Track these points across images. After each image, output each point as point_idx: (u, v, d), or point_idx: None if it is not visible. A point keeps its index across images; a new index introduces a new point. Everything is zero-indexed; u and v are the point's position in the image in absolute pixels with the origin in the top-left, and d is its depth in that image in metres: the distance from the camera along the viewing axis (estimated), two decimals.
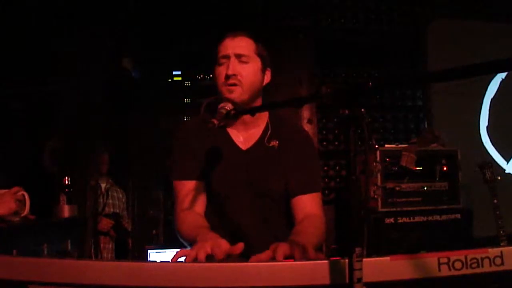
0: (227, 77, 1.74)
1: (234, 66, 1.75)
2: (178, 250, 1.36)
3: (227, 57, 1.77)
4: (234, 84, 1.75)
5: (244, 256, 1.62)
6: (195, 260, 1.31)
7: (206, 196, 1.82)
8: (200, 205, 1.78)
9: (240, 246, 1.40)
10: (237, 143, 1.84)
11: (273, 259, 1.33)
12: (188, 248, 1.47)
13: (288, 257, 1.34)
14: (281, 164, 1.82)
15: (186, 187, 1.78)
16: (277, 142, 1.82)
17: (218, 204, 1.80)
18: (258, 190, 1.79)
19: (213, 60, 1.84)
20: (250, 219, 1.78)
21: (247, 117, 1.79)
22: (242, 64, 1.77)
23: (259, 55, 1.82)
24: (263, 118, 1.87)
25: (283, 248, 1.35)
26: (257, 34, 1.86)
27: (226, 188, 1.80)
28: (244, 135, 1.85)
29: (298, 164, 1.83)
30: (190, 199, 1.76)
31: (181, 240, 1.73)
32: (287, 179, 1.82)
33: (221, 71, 1.77)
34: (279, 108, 1.94)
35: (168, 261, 1.08)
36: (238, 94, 1.74)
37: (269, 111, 1.89)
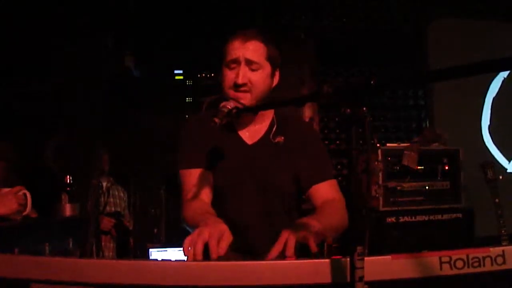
0: (237, 85, 1.73)
1: (244, 74, 1.73)
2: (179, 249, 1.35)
3: (237, 61, 1.75)
4: (244, 91, 1.74)
5: (246, 253, 1.62)
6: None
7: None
8: (206, 193, 1.78)
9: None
10: (243, 137, 1.85)
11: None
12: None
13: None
14: (287, 160, 1.82)
15: (192, 176, 1.78)
16: (283, 138, 1.82)
17: (221, 198, 1.81)
18: (262, 185, 1.80)
19: (220, 59, 1.81)
20: (252, 214, 1.78)
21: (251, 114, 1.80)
22: (252, 72, 1.75)
23: (269, 59, 1.79)
24: (269, 114, 1.88)
25: (292, 241, 1.35)
26: (268, 33, 1.83)
27: (230, 182, 1.80)
28: (250, 130, 1.86)
29: (307, 156, 1.83)
30: (196, 188, 1.76)
31: (187, 227, 1.73)
32: (296, 174, 1.82)
33: (231, 76, 1.75)
34: (280, 107, 1.94)
35: (169, 259, 1.08)
36: (247, 100, 1.74)
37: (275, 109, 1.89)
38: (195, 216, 1.65)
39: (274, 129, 1.84)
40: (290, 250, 1.33)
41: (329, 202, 1.74)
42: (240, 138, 1.85)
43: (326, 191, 1.79)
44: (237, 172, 1.80)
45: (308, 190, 1.81)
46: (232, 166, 1.80)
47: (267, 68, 1.79)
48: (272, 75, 1.83)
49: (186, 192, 1.79)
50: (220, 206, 1.79)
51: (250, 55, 1.74)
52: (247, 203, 1.79)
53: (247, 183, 1.79)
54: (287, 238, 1.36)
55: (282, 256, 1.34)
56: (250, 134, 1.86)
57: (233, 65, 1.75)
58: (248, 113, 1.75)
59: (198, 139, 1.84)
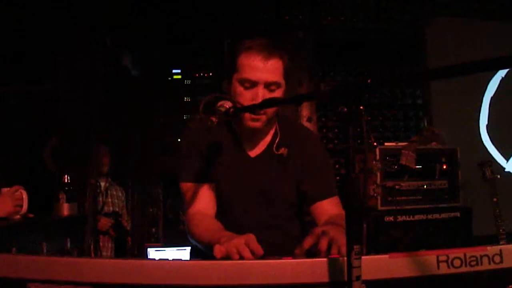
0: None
1: (263, 98, 1.64)
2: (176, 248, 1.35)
3: (256, 84, 1.68)
4: (260, 114, 1.71)
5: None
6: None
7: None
8: (211, 207, 1.79)
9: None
10: (246, 149, 1.84)
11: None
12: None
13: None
14: (290, 171, 1.81)
15: (196, 190, 1.78)
16: (286, 149, 1.80)
17: (225, 208, 1.81)
18: (265, 196, 1.80)
19: (231, 68, 1.73)
20: (256, 226, 1.77)
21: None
22: (270, 93, 1.70)
23: (285, 76, 1.75)
24: (272, 124, 1.85)
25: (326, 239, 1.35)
26: (283, 43, 1.77)
27: (233, 194, 1.80)
28: (253, 142, 1.84)
29: (312, 171, 1.81)
30: (200, 201, 1.76)
31: (194, 242, 1.72)
32: (300, 187, 1.82)
33: (247, 97, 1.68)
34: (278, 106, 1.93)
35: (168, 259, 1.08)
36: (262, 123, 1.73)
37: (278, 117, 1.87)
38: (208, 232, 1.62)
39: (277, 140, 1.82)
40: (324, 244, 1.33)
41: (334, 217, 1.70)
42: (244, 150, 1.84)
43: (329, 208, 1.78)
44: (240, 184, 1.79)
45: (310, 206, 1.81)
46: (235, 179, 1.80)
47: (283, 87, 1.75)
48: (285, 92, 1.79)
49: (189, 206, 1.78)
50: (223, 215, 1.79)
51: (271, 77, 1.69)
52: (250, 213, 1.79)
53: (250, 195, 1.79)
54: (321, 235, 1.36)
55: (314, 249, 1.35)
56: (254, 146, 1.84)
57: (248, 85, 1.69)
58: (254, 127, 1.73)
59: (199, 149, 1.81)
